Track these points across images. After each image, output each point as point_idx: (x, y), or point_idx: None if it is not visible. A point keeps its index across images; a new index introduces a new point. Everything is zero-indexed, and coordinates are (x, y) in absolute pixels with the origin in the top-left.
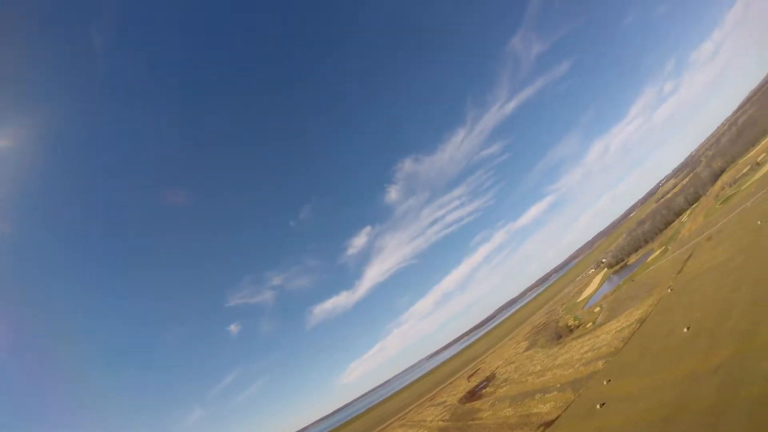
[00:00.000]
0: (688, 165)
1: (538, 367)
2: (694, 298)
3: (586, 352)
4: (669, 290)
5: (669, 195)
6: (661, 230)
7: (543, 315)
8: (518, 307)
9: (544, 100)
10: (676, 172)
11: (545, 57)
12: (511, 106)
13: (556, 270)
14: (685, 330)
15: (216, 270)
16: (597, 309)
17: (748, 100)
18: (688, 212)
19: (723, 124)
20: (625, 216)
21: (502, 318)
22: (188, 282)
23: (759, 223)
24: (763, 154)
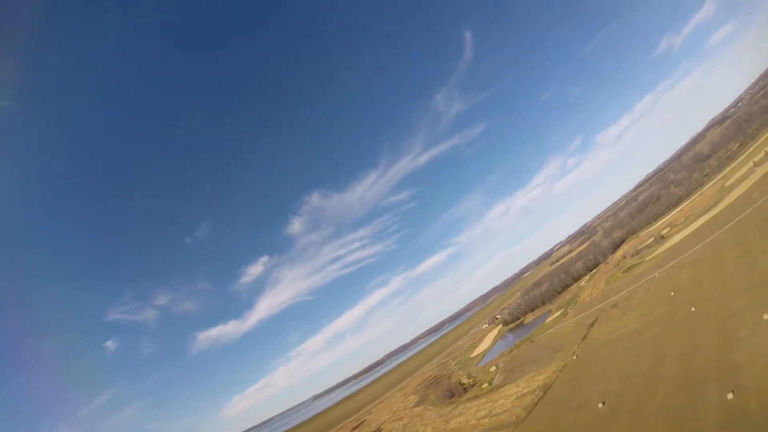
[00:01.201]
0: (584, 233)
1: (429, 429)
2: (606, 368)
3: (483, 417)
4: (574, 356)
5: (564, 259)
6: (558, 293)
7: (435, 367)
8: (410, 354)
9: (456, 156)
10: (571, 239)
11: (464, 117)
12: (425, 157)
13: (450, 320)
14: (601, 405)
15: (95, 279)
16: (493, 368)
17: (647, 180)
18: (587, 277)
19: (620, 200)
20: (519, 275)
21: (393, 365)
22: (62, 289)
23: (672, 294)
24: (667, 229)
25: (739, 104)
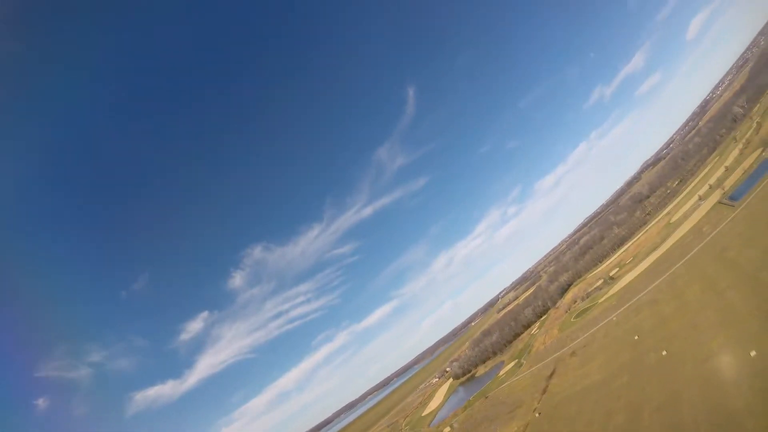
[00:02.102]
0: (528, 279)
1: None
2: (576, 427)
3: None
4: (536, 414)
5: (511, 306)
6: (510, 342)
7: (385, 428)
8: (359, 412)
9: (399, 209)
10: (515, 285)
11: (406, 170)
12: (368, 210)
13: (398, 373)
14: None
15: (26, 332)
16: (447, 429)
17: (586, 224)
18: (537, 324)
19: (561, 245)
20: (466, 324)
21: (341, 425)
22: None
23: (636, 337)
24: (616, 269)
25: (671, 145)
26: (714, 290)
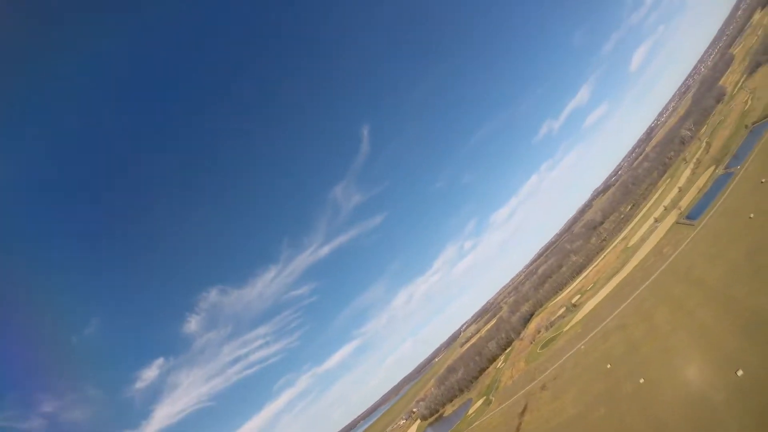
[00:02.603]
0: (489, 311)
1: None
2: None
3: None
4: None
5: (473, 339)
6: (476, 377)
7: None
8: None
9: (357, 247)
10: (476, 317)
11: (362, 208)
12: (326, 250)
13: (363, 416)
14: None
15: None
16: None
17: (542, 254)
18: (503, 357)
19: (519, 275)
20: (430, 360)
21: None
22: None
23: (608, 366)
24: (577, 296)
25: (619, 172)
26: (684, 311)
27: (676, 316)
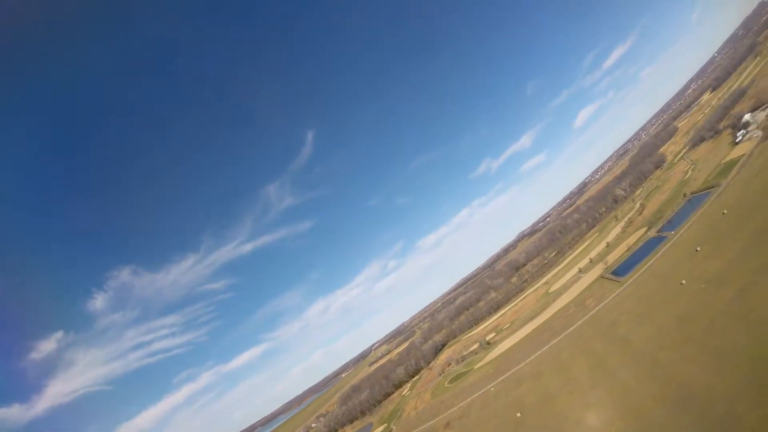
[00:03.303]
0: (402, 333)
1: None
2: None
3: None
4: None
5: (383, 360)
6: (379, 402)
7: None
8: None
9: (281, 249)
10: (389, 338)
11: (294, 211)
12: (249, 247)
13: (263, 422)
14: None
15: None
16: None
17: (462, 284)
18: (409, 385)
19: (436, 302)
20: (338, 374)
21: None
22: None
23: (519, 415)
24: (492, 334)
25: (548, 219)
26: (605, 368)
27: (596, 373)
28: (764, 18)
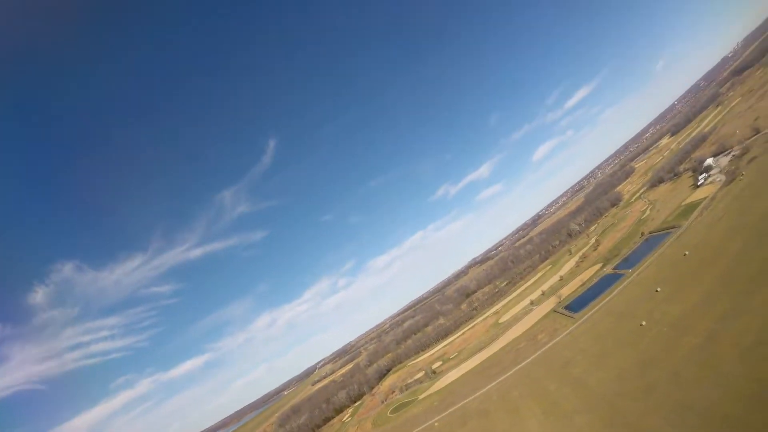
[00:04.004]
0: (347, 353)
1: None
2: None
3: None
4: None
5: (326, 380)
6: (318, 426)
7: None
8: None
9: (231, 258)
10: (334, 357)
11: (247, 219)
12: (198, 252)
13: None
14: None
15: None
16: None
17: (411, 307)
18: (350, 410)
19: (384, 323)
20: (279, 391)
21: None
22: None
23: None
24: (439, 363)
25: (500, 248)
26: (559, 413)
27: (550, 418)
28: (727, 71)
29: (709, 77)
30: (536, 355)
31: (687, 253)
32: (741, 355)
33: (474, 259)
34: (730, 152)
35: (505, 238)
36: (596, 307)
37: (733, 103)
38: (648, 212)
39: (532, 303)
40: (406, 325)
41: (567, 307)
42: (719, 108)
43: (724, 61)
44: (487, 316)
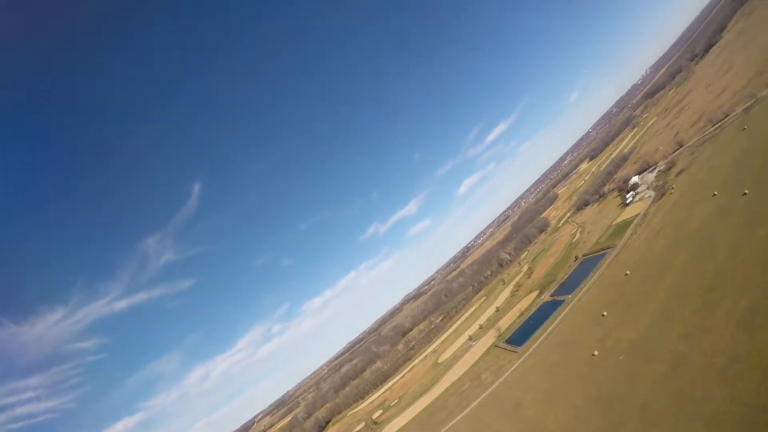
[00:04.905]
0: (286, 404)
1: None
2: None
3: None
4: None
5: None
6: None
7: None
8: None
9: (159, 309)
10: (273, 408)
11: (173, 267)
12: (123, 304)
13: None
14: None
15: None
16: None
17: (348, 350)
18: None
19: (322, 368)
20: None
21: None
22: None
23: None
24: (380, 411)
25: (432, 282)
26: None
27: None
28: (639, 95)
29: (621, 103)
30: (483, 396)
31: (628, 272)
32: (718, 377)
33: (408, 295)
34: (655, 168)
35: (437, 272)
36: (540, 338)
37: (650, 123)
38: (578, 235)
39: (470, 338)
40: (343, 370)
41: (508, 341)
42: (635, 129)
43: (634, 87)
44: (426, 356)
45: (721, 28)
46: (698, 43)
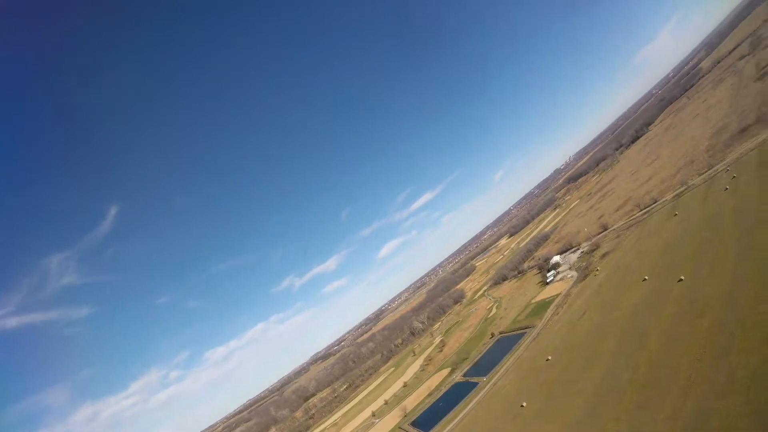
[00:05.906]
0: None
1: None
2: None
3: None
4: None
5: None
6: None
7: None
8: None
9: (50, 333)
10: None
11: (74, 291)
12: (13, 322)
13: None
14: None
15: None
16: None
17: (248, 407)
18: None
19: (218, 424)
20: None
21: None
22: None
23: None
24: None
25: (342, 343)
26: None
27: None
28: (562, 179)
29: (544, 185)
30: None
31: (550, 357)
32: None
33: (317, 353)
34: (577, 249)
35: (348, 333)
36: (450, 425)
37: (573, 205)
38: (495, 310)
39: (374, 415)
40: (238, 430)
41: (414, 423)
42: (557, 210)
43: (556, 172)
44: (325, 429)
45: (649, 123)
46: (625, 135)
